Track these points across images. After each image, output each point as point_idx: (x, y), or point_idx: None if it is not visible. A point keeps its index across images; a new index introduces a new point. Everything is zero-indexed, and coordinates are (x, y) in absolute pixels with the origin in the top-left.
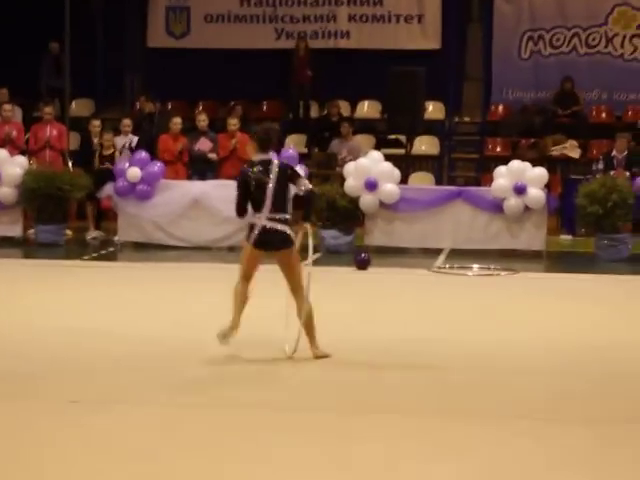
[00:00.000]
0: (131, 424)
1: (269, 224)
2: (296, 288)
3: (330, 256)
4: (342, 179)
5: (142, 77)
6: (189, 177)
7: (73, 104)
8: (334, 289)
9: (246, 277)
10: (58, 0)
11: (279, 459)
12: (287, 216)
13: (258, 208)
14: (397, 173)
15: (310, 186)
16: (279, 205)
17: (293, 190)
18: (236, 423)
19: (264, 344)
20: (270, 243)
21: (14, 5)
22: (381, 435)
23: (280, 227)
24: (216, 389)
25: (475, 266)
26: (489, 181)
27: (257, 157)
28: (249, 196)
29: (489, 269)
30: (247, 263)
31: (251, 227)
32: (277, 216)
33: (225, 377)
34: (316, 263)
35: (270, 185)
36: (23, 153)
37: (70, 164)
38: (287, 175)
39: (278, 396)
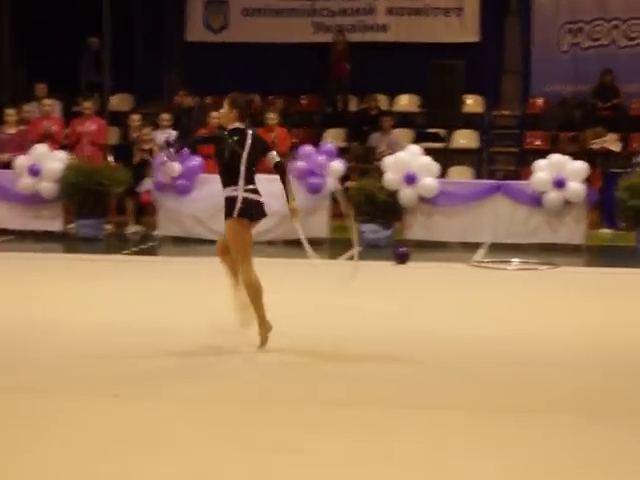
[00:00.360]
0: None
1: (249, 195)
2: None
3: (369, 250)
4: (381, 173)
5: (180, 71)
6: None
7: (112, 99)
8: (374, 283)
9: (250, 258)
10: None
11: (325, 453)
12: (256, 187)
13: (234, 180)
14: (436, 167)
15: (279, 158)
16: (252, 175)
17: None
18: (288, 418)
19: (307, 339)
20: (255, 214)
21: (54, 1)
22: (425, 430)
23: (258, 197)
24: (264, 384)
25: (515, 260)
26: (528, 175)
27: (233, 125)
28: (220, 164)
29: (529, 263)
30: (247, 239)
31: (232, 200)
32: (252, 187)
33: (271, 373)
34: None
35: (244, 155)
36: (63, 148)
37: (110, 159)
38: (259, 146)
39: (323, 390)
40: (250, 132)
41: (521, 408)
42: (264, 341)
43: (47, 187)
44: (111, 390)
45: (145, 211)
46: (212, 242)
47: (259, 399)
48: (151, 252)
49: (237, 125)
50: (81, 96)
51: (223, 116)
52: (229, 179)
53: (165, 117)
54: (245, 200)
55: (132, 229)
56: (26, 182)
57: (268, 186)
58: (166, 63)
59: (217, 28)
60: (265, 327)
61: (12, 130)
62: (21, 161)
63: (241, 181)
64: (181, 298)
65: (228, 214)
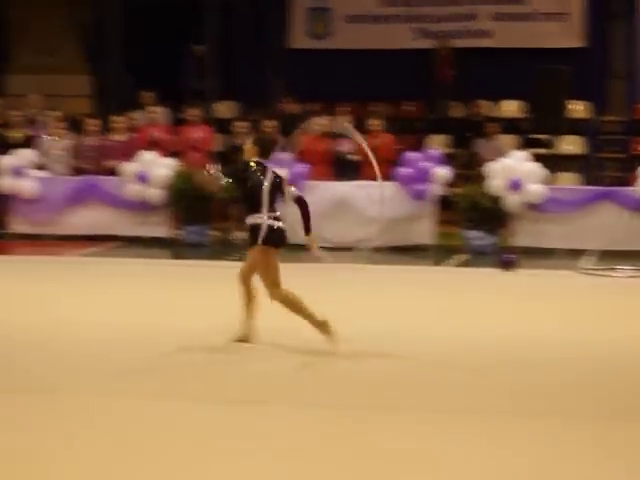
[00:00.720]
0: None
1: (273, 222)
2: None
3: (475, 257)
4: (484, 179)
5: (284, 78)
6: (332, 178)
7: (217, 106)
8: (480, 290)
9: (278, 282)
10: (200, 3)
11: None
12: (278, 214)
13: (257, 208)
14: (542, 173)
15: (298, 193)
16: (274, 204)
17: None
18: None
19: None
20: (279, 241)
21: (158, 9)
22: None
23: (281, 224)
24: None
25: (622, 267)
26: (634, 181)
27: (254, 159)
28: (244, 193)
29: (637, 270)
30: (273, 265)
31: (256, 228)
32: (274, 214)
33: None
34: (465, 264)
35: (266, 184)
36: (171, 155)
37: (215, 166)
38: (277, 181)
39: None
40: (271, 168)
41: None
42: (331, 339)
43: (154, 194)
44: (238, 395)
45: None
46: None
47: (385, 405)
48: None
49: (258, 160)
50: (187, 103)
51: (246, 151)
52: (252, 208)
53: (269, 124)
54: (270, 228)
55: (237, 235)
56: (134, 189)
57: (369, 191)
58: (270, 70)
59: (320, 35)
60: (324, 327)
61: (120, 137)
62: (129, 168)
63: (264, 209)
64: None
65: (253, 242)
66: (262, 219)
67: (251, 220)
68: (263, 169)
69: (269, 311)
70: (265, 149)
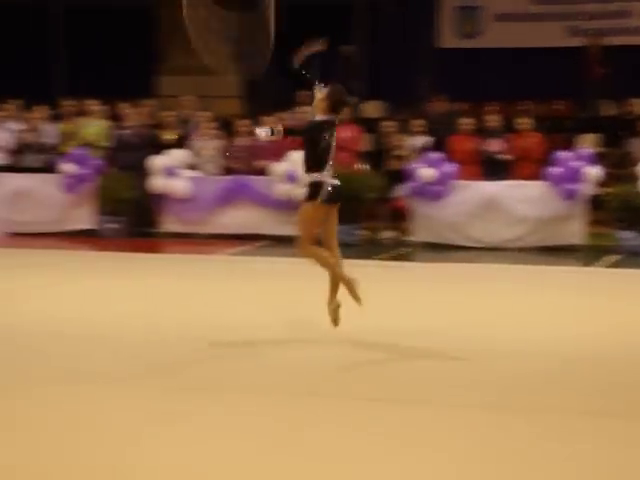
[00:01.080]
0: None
1: (334, 181)
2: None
3: (629, 258)
4: (637, 178)
5: (432, 78)
6: (481, 178)
7: (365, 106)
8: (633, 292)
9: (312, 239)
10: (349, 5)
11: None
12: None
13: (321, 166)
14: None
15: None
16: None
17: None
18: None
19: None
20: (336, 198)
21: (307, 10)
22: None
23: (338, 182)
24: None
25: None
26: None
27: (324, 117)
28: (312, 152)
29: None
30: (313, 223)
31: (317, 185)
32: (333, 173)
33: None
34: (616, 265)
35: (333, 145)
36: None
37: (364, 165)
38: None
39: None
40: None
41: None
42: (357, 298)
43: (303, 193)
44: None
45: (399, 217)
46: (467, 249)
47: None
48: (405, 258)
49: (328, 117)
50: None
51: (316, 106)
52: (316, 166)
53: (417, 123)
54: (333, 186)
55: (386, 234)
56: (282, 188)
57: (517, 192)
58: (417, 69)
59: (469, 34)
60: (351, 285)
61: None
62: (278, 168)
63: (328, 167)
64: (439, 304)
65: (311, 198)
66: (325, 177)
67: (313, 177)
68: (332, 128)
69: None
70: (337, 104)
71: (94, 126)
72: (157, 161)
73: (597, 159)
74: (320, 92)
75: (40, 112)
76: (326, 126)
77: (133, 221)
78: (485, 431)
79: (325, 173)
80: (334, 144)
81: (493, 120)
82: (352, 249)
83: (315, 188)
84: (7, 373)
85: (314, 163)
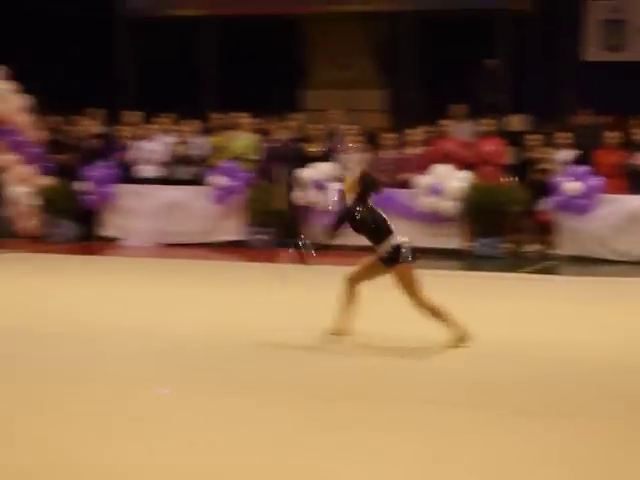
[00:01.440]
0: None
1: (404, 238)
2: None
3: None
4: None
5: (577, 91)
6: (627, 191)
7: (509, 119)
8: None
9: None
10: (493, 19)
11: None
12: None
13: (388, 233)
14: None
15: None
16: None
17: None
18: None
19: None
20: (415, 255)
21: (451, 26)
22: None
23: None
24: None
25: None
26: None
27: (355, 199)
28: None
29: None
30: (417, 280)
31: (397, 248)
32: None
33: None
34: None
35: (383, 215)
36: (465, 168)
37: (509, 178)
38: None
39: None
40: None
41: None
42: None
43: (447, 206)
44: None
45: (544, 230)
46: (614, 262)
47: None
48: (550, 271)
49: (358, 200)
50: (481, 117)
51: (348, 184)
52: (384, 235)
53: (562, 136)
54: (408, 246)
55: (531, 248)
56: (427, 201)
57: None
58: (562, 82)
59: (614, 47)
60: (460, 331)
61: (415, 150)
62: (423, 180)
63: (393, 231)
64: (579, 319)
65: (394, 261)
66: (398, 239)
67: (392, 242)
68: (367, 206)
69: None
70: (365, 189)
71: (243, 139)
72: (305, 174)
73: None
74: (350, 177)
75: (191, 126)
76: (356, 206)
77: (281, 232)
78: None
79: (396, 236)
80: (385, 215)
81: (639, 134)
82: (496, 262)
83: (397, 250)
84: (174, 378)
85: (379, 233)
